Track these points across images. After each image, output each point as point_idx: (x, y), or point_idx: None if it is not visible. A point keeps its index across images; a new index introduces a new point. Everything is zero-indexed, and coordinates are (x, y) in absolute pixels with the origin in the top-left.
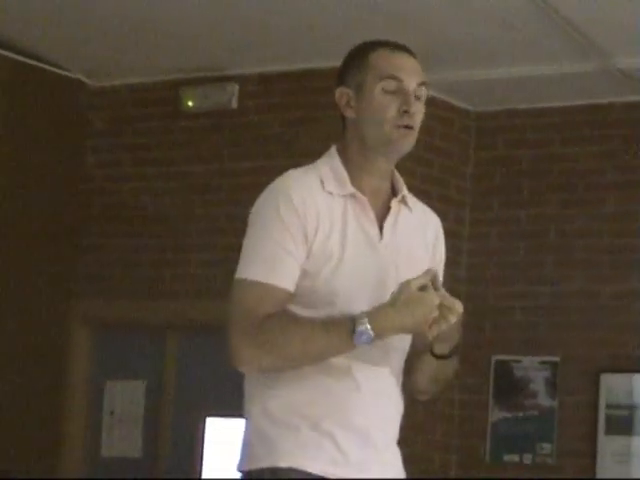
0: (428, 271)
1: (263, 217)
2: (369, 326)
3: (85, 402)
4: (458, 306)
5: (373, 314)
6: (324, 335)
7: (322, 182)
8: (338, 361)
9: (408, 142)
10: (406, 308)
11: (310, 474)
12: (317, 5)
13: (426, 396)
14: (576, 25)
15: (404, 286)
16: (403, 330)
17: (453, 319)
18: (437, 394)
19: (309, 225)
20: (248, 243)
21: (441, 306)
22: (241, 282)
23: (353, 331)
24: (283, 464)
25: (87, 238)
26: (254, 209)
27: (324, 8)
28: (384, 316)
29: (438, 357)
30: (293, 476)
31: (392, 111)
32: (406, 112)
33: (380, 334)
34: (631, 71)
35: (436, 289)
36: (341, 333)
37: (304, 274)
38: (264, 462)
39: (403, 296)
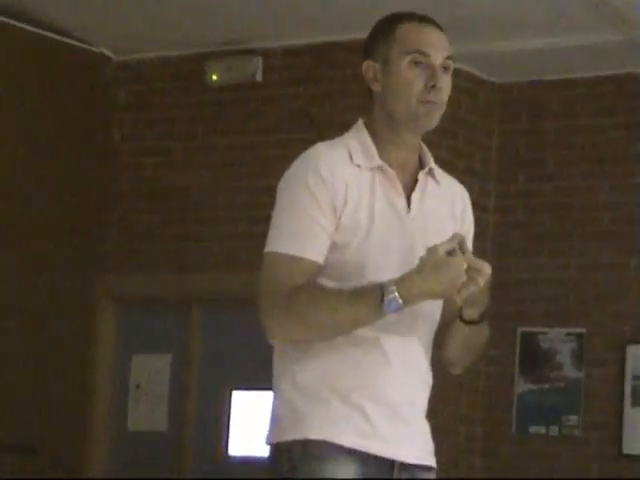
0: (455, 235)
1: (292, 190)
2: (397, 294)
3: (111, 376)
4: (486, 268)
5: (401, 281)
6: (353, 304)
7: (350, 155)
8: (367, 333)
9: (434, 117)
10: (434, 273)
11: (341, 446)
12: None
13: (459, 369)
14: None
15: (431, 251)
16: (432, 296)
17: (482, 281)
18: (469, 366)
19: (338, 198)
20: (277, 216)
21: (469, 269)
22: (271, 255)
23: (382, 300)
24: (313, 436)
25: (113, 213)
26: (282, 182)
27: None
28: (412, 283)
29: (468, 322)
30: (324, 448)
31: (419, 86)
32: (433, 87)
33: (409, 301)
34: None
35: (463, 253)
36: (370, 302)
37: (333, 246)
38: (294, 435)
39: (430, 262)
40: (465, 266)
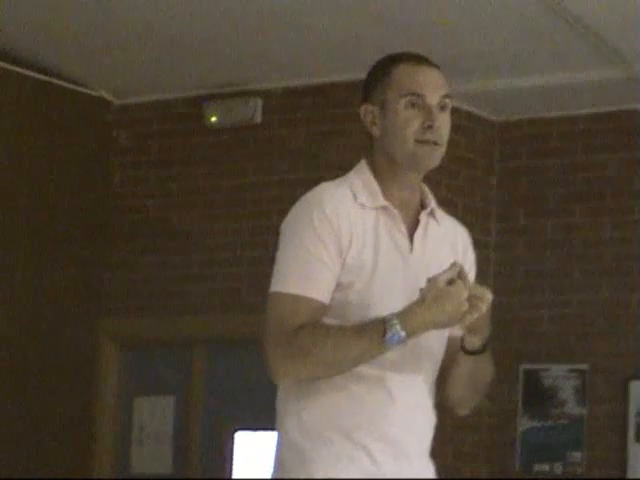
0: (454, 265)
1: (296, 229)
2: (399, 326)
3: (114, 419)
4: (487, 294)
5: (403, 314)
6: (356, 340)
7: (354, 195)
8: (371, 371)
9: (434, 157)
10: (436, 303)
11: None
12: (337, 19)
13: (465, 409)
14: (598, 33)
15: (432, 282)
16: (435, 325)
17: (484, 307)
18: (475, 405)
19: (343, 237)
20: (282, 256)
21: (470, 296)
22: (275, 295)
23: (384, 333)
24: (317, 476)
25: (115, 255)
26: (286, 221)
27: (345, 22)
28: (414, 314)
29: (470, 353)
30: None
31: (415, 126)
32: (430, 127)
33: (412, 333)
34: None
35: (463, 281)
36: (372, 336)
37: (337, 286)
38: (298, 475)
39: (431, 292)
40: (466, 294)
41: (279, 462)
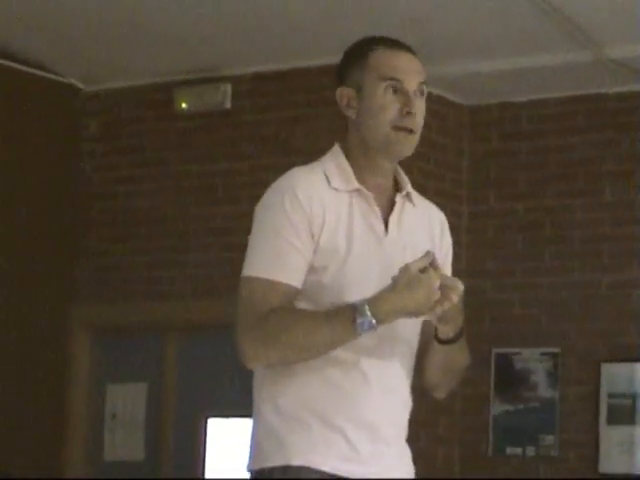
0: (427, 253)
1: (268, 214)
2: (369, 313)
3: (87, 405)
4: (459, 285)
5: (373, 300)
6: (327, 325)
7: (328, 179)
8: (347, 355)
9: (409, 145)
10: (407, 291)
11: (323, 472)
12: (306, 4)
13: (442, 392)
14: (568, 16)
15: (404, 270)
16: (406, 313)
17: (455, 298)
18: (453, 387)
19: (315, 221)
20: (254, 240)
21: (442, 286)
22: (247, 280)
23: (354, 319)
24: (295, 462)
25: (85, 242)
26: (259, 206)
27: (316, 5)
28: (384, 301)
29: (444, 342)
30: (305, 475)
31: (393, 112)
32: (409, 113)
33: (382, 320)
34: (624, 60)
35: (435, 270)
36: (344, 322)
37: (311, 269)
38: (275, 461)
39: (403, 279)
40: (438, 283)
41: (255, 447)
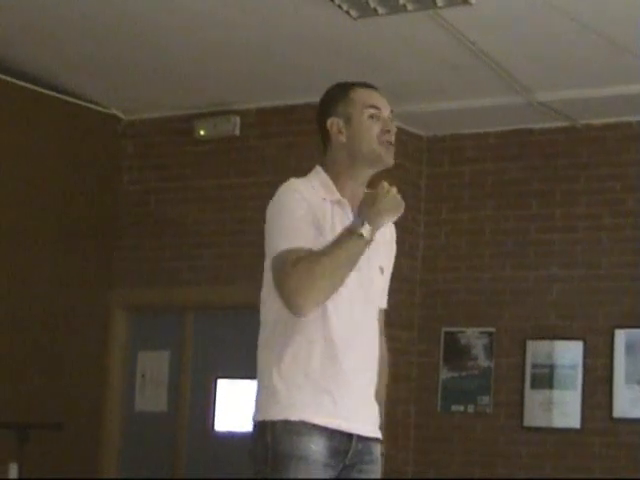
0: (381, 185)
1: (280, 208)
2: (367, 225)
3: (122, 368)
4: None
5: (361, 215)
6: (342, 246)
7: (315, 189)
8: (334, 333)
9: (391, 155)
10: (388, 203)
11: (314, 425)
12: (302, 54)
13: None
14: (505, 67)
15: (385, 188)
16: (387, 213)
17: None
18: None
19: (313, 212)
20: (272, 228)
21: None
22: (274, 258)
23: (359, 230)
24: (292, 417)
25: (122, 239)
26: (271, 205)
27: (307, 55)
28: (370, 212)
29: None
30: (301, 426)
31: (377, 131)
32: (388, 131)
33: (372, 223)
34: (548, 103)
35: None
36: (352, 236)
37: None
38: (276, 415)
39: (390, 195)
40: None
41: (260, 403)
